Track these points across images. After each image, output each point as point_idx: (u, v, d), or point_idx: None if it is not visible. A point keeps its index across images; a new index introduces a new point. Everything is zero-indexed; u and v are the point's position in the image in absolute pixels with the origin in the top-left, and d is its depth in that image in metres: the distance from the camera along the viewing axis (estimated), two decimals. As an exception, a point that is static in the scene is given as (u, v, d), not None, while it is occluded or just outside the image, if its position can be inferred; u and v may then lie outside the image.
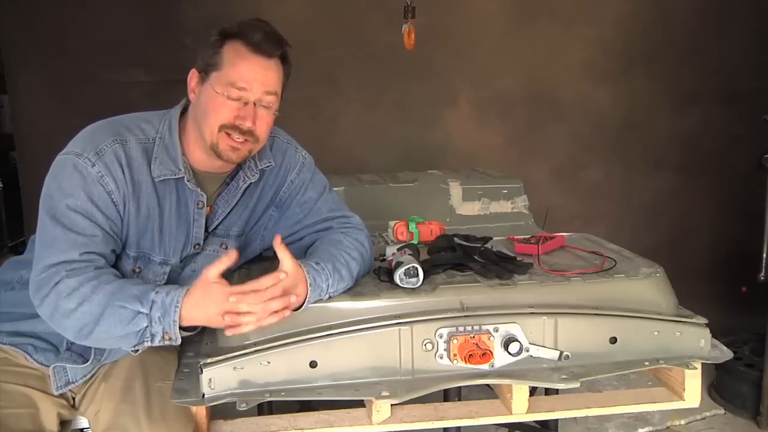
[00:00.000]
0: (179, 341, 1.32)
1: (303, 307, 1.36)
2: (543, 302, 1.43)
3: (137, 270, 1.45)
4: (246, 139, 1.41)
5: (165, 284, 1.39)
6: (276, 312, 1.30)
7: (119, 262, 1.44)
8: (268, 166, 1.55)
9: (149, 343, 1.32)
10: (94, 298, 1.29)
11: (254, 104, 1.40)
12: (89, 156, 1.36)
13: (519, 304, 1.42)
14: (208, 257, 1.53)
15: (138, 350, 1.34)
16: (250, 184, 1.53)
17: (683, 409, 1.58)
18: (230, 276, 1.60)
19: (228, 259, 1.31)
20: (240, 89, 1.38)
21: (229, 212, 1.53)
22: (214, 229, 1.53)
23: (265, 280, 1.30)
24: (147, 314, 1.29)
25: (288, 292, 1.31)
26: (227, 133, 1.40)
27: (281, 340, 1.34)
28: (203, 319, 1.32)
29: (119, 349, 1.44)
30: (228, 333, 1.31)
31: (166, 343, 1.32)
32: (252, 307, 1.28)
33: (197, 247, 1.50)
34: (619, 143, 3.46)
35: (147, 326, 1.29)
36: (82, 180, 1.36)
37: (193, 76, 1.44)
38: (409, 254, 1.51)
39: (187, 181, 1.44)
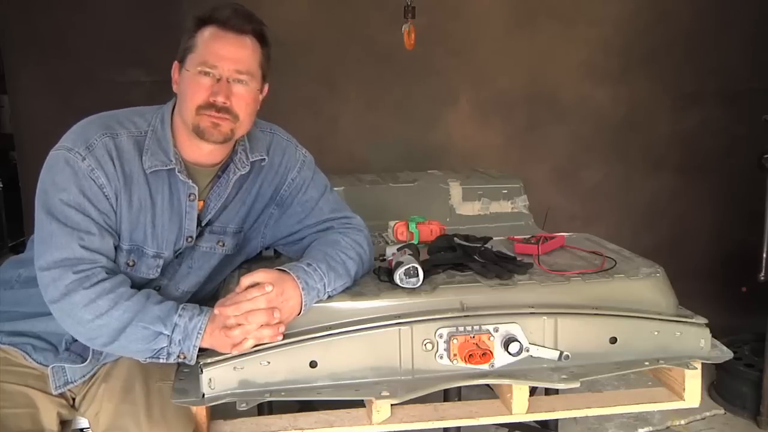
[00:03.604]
0: (194, 361, 1.34)
1: (302, 311, 1.36)
2: (543, 302, 1.43)
3: (131, 263, 1.44)
4: (225, 117, 1.40)
5: (186, 302, 1.39)
6: (270, 326, 1.31)
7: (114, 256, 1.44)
8: (260, 159, 1.54)
9: (164, 360, 1.34)
10: (113, 313, 1.31)
11: (228, 81, 1.40)
12: (80, 150, 1.37)
13: (519, 304, 1.42)
14: (205, 254, 1.54)
15: (148, 361, 1.36)
16: (246, 180, 1.53)
17: (683, 409, 1.58)
18: (230, 276, 1.60)
19: None
20: (211, 66, 1.39)
21: (223, 207, 1.53)
22: (210, 225, 1.53)
23: (249, 291, 1.32)
24: (168, 336, 1.31)
25: (272, 303, 1.31)
26: (206, 114, 1.40)
27: (281, 340, 1.34)
28: (213, 345, 1.34)
29: None
30: (233, 351, 1.32)
31: (180, 361, 1.35)
32: (238, 319, 1.30)
33: (190, 240, 1.50)
34: (619, 143, 3.46)
35: (166, 346, 1.32)
36: (73, 174, 1.36)
37: (175, 69, 1.46)
38: (409, 254, 1.51)
39: (179, 172, 1.44)
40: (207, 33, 1.41)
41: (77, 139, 1.39)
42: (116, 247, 1.43)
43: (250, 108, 1.44)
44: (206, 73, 1.39)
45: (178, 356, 1.33)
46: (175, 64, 1.46)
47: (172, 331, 1.31)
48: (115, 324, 1.31)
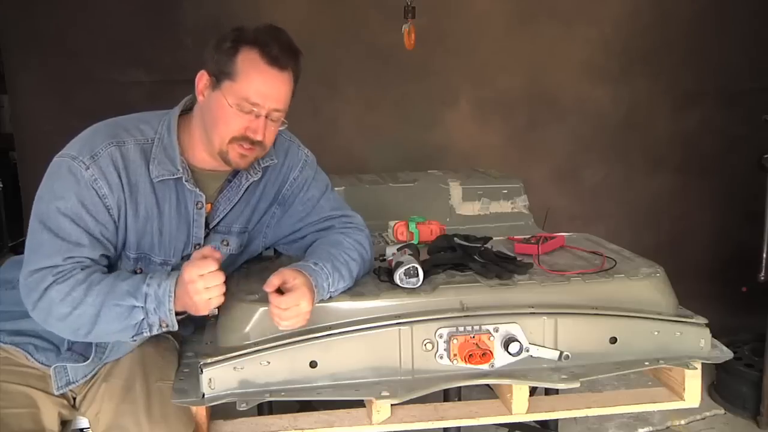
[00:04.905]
0: (176, 327, 1.34)
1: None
2: (543, 302, 1.43)
3: (138, 271, 1.45)
4: (254, 149, 1.42)
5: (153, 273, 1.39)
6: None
7: (120, 264, 1.45)
8: (270, 164, 1.55)
9: (148, 333, 1.35)
10: (87, 300, 1.32)
11: (265, 116, 1.40)
12: (84, 159, 1.37)
13: (519, 304, 1.42)
14: (210, 254, 1.54)
15: (136, 339, 1.37)
16: (252, 181, 1.54)
17: (683, 409, 1.58)
18: (230, 277, 1.60)
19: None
20: (253, 104, 1.38)
21: (230, 209, 1.53)
22: (215, 225, 1.53)
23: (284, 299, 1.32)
24: (142, 307, 1.32)
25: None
26: (238, 144, 1.40)
27: (281, 340, 1.34)
28: (191, 306, 1.33)
29: (121, 346, 1.46)
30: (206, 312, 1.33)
31: (164, 330, 1.35)
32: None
33: (198, 247, 1.50)
34: (619, 143, 3.46)
35: (144, 318, 1.33)
36: (75, 183, 1.36)
37: (202, 78, 1.42)
38: (409, 254, 1.51)
39: (186, 181, 1.44)
40: (248, 61, 1.37)
41: (83, 147, 1.39)
42: (123, 255, 1.44)
43: (275, 134, 1.46)
44: (245, 108, 1.38)
45: (160, 326, 1.33)
46: (204, 74, 1.41)
47: (145, 302, 1.31)
48: (90, 310, 1.32)
